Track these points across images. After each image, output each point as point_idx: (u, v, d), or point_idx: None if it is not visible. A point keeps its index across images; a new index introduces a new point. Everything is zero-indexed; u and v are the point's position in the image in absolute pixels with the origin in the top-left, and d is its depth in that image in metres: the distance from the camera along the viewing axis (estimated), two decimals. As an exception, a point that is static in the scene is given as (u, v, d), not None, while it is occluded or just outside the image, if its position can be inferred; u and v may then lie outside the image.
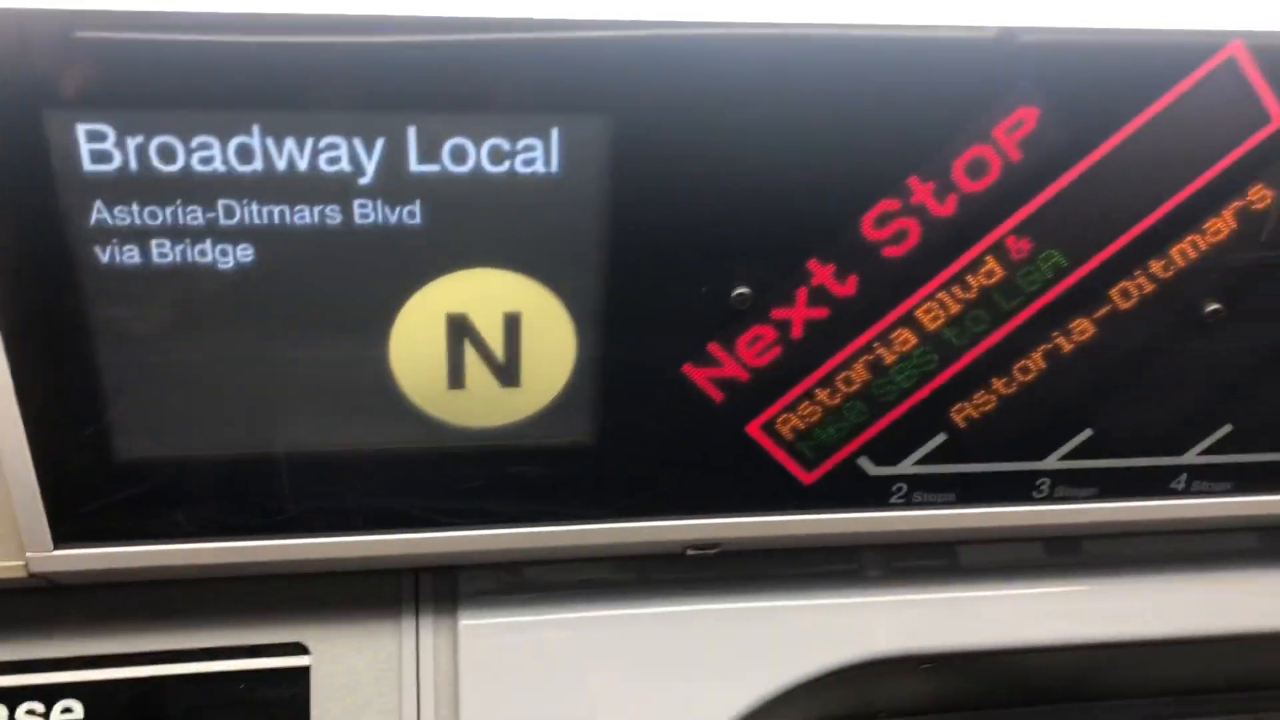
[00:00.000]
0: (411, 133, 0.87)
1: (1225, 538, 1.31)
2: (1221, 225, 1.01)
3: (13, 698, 1.10)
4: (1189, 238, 1.01)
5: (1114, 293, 1.03)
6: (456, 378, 0.99)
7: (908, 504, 1.12)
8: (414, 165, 0.88)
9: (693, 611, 1.20)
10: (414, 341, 0.96)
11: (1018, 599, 1.26)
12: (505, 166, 0.89)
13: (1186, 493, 1.15)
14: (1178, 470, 1.14)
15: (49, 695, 1.10)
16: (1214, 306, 1.04)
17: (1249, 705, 1.48)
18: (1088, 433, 1.11)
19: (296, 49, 0.83)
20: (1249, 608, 1.29)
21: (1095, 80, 0.93)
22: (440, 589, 1.19)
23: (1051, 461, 1.12)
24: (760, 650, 1.20)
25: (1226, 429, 1.13)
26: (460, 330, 0.97)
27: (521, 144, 0.89)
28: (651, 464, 1.06)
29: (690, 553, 1.14)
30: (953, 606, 1.25)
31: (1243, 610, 1.29)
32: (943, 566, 1.27)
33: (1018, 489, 1.13)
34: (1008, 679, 1.42)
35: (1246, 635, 1.30)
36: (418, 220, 0.91)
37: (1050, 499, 1.14)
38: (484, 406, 1.01)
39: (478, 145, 0.88)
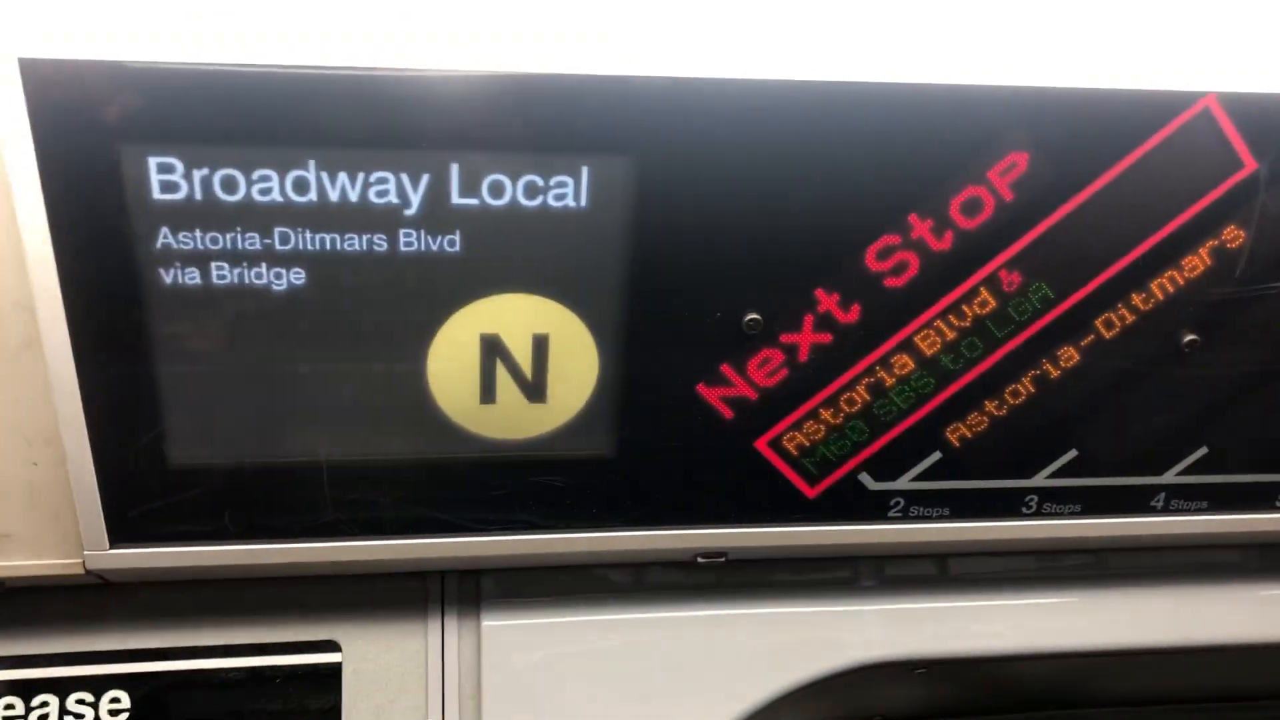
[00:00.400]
0: (454, 169, 0.93)
1: (1205, 553, 1.34)
2: (1198, 262, 1.06)
3: (64, 688, 1.14)
4: (1168, 273, 1.06)
5: (1098, 323, 1.08)
6: (488, 393, 1.04)
7: (905, 517, 1.16)
8: (455, 199, 0.94)
9: (702, 616, 1.24)
10: (450, 359, 1.02)
11: (1009, 609, 1.29)
12: (538, 201, 0.95)
13: (1165, 511, 1.19)
14: (1157, 489, 1.18)
15: (98, 686, 1.15)
16: (1191, 337, 1.09)
17: (1232, 715, 1.52)
18: (1073, 453, 1.15)
19: (352, 95, 0.90)
20: (1228, 620, 1.33)
21: (1081, 128, 0.98)
22: (465, 591, 1.22)
23: (1039, 479, 1.16)
24: (765, 654, 1.23)
25: (1203, 451, 1.17)
26: (493, 350, 1.02)
27: (554, 181, 0.95)
28: (666, 476, 1.11)
29: (700, 560, 1.18)
30: (946, 615, 1.28)
31: (1222, 622, 1.32)
32: (937, 577, 1.30)
33: (1007, 505, 1.17)
34: (1000, 685, 1.45)
35: (1226, 647, 1.33)
36: (457, 249, 0.96)
37: (1038, 515, 1.17)
38: (512, 420, 1.06)
39: (514, 181, 0.94)
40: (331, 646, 1.19)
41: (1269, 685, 1.53)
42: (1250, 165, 1.02)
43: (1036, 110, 0.97)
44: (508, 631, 1.20)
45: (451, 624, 1.21)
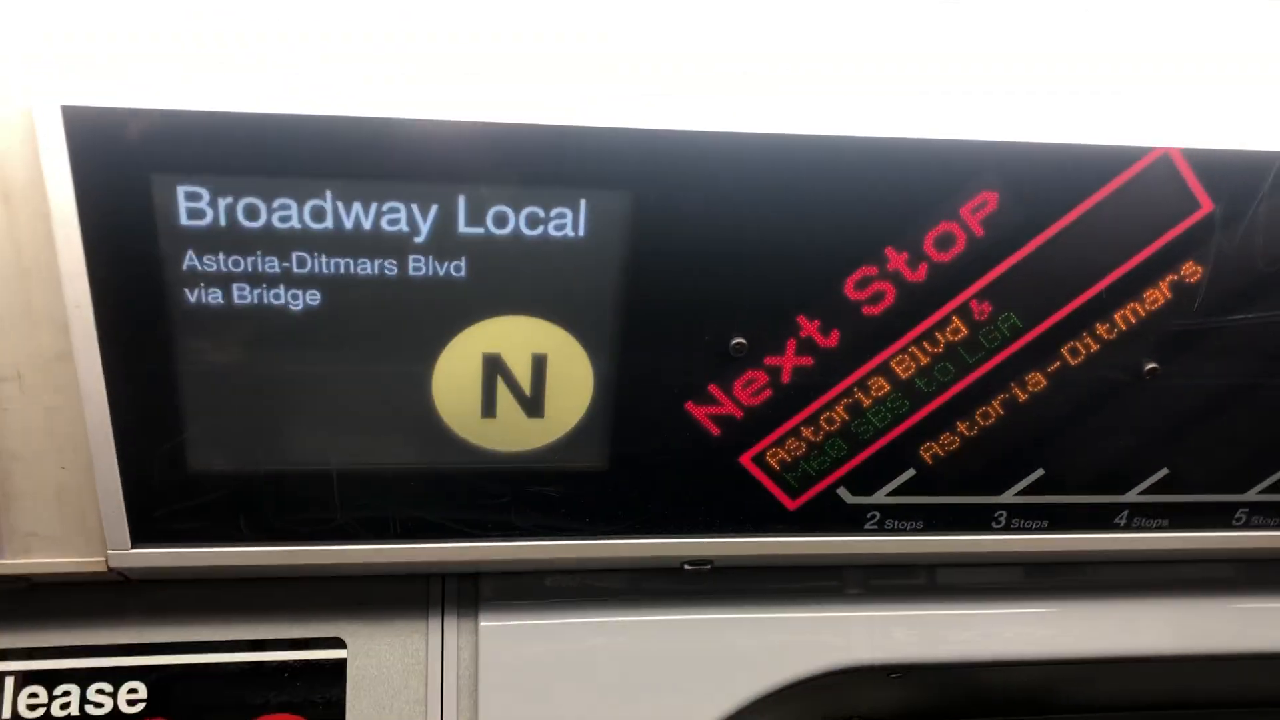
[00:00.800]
0: (461, 201, 0.97)
1: (1168, 567, 1.37)
2: (1158, 295, 1.09)
3: (85, 678, 1.17)
4: (1130, 305, 1.09)
5: (1064, 350, 1.11)
6: (489, 408, 1.07)
7: (880, 530, 1.18)
8: (462, 227, 0.98)
9: (688, 620, 1.26)
10: (454, 376, 1.05)
11: (985, 618, 1.32)
12: (539, 230, 0.99)
13: (1128, 528, 1.22)
14: (1120, 507, 1.22)
15: (117, 677, 1.18)
16: (1151, 365, 1.12)
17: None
18: (1040, 472, 1.18)
19: (367, 136, 0.94)
20: (1192, 630, 1.36)
21: (1048, 171, 1.02)
22: (464, 593, 1.25)
23: (1008, 496, 1.19)
24: (749, 656, 1.26)
25: (1163, 472, 1.20)
26: (494, 368, 1.05)
27: (554, 212, 0.99)
28: (655, 488, 1.14)
29: (687, 567, 1.21)
30: (923, 622, 1.31)
31: (1187, 633, 1.36)
32: (915, 585, 1.34)
33: (978, 519, 1.20)
34: (976, 691, 1.48)
35: (1193, 656, 1.36)
36: (463, 273, 1.00)
37: (1007, 529, 1.20)
38: (511, 434, 1.09)
39: (517, 212, 0.98)
40: (337, 643, 1.22)
41: (1241, 693, 1.55)
42: (1207, 206, 1.06)
43: (1006, 156, 1.01)
44: (504, 631, 1.23)
45: (451, 624, 1.24)
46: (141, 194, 0.94)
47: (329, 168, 0.95)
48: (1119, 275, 1.09)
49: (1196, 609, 1.36)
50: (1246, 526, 1.25)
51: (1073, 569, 1.36)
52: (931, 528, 1.20)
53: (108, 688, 1.18)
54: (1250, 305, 1.11)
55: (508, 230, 0.99)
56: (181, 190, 0.95)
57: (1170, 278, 1.10)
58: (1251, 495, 1.24)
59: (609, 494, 1.14)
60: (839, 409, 1.13)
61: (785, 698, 1.29)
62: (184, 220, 0.96)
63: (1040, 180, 1.03)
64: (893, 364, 1.11)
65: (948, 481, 1.18)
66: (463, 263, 1.00)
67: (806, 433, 1.14)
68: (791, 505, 1.17)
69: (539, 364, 1.06)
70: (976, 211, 1.04)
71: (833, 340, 1.08)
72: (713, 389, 1.10)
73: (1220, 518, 1.25)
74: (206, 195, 0.96)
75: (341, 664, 1.22)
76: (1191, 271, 1.10)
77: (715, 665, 1.26)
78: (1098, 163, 1.03)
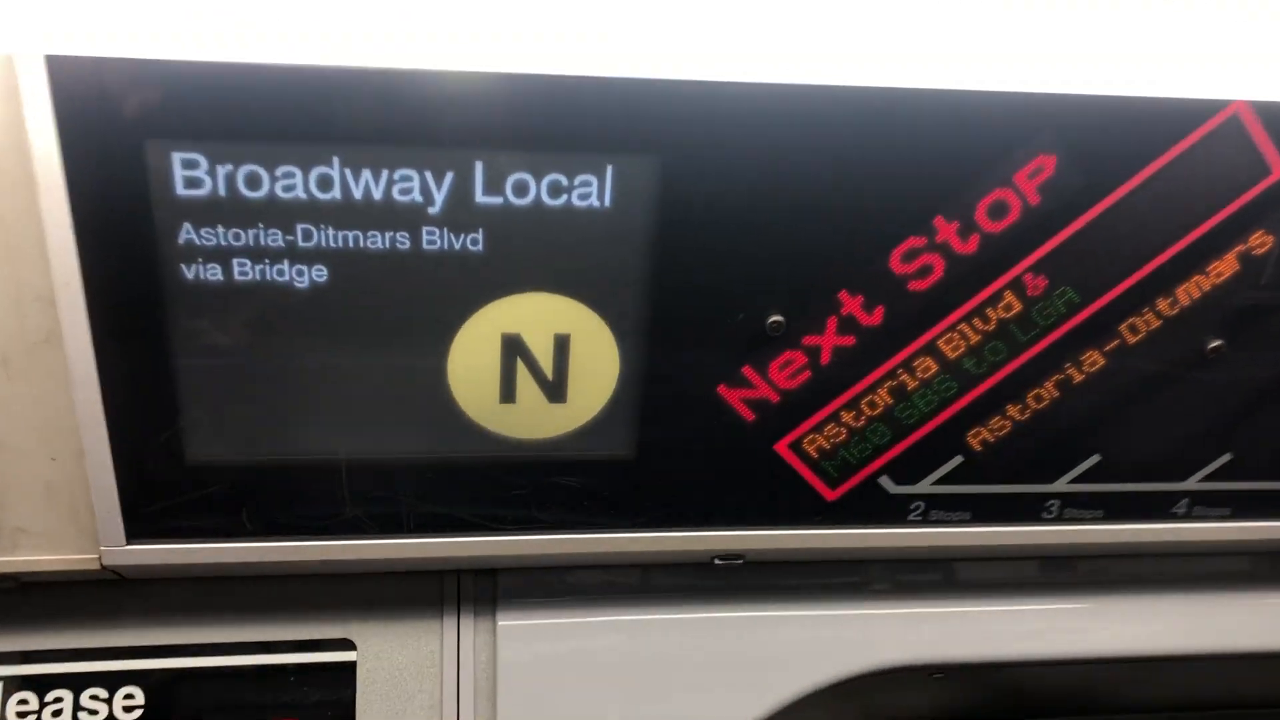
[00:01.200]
0: (478, 168, 0.93)
1: (1224, 560, 1.33)
2: (1224, 268, 1.05)
3: (79, 683, 1.14)
4: (1194, 278, 1.06)
5: (1123, 328, 1.08)
6: (508, 392, 1.04)
7: (924, 521, 1.15)
8: (479, 197, 0.94)
9: (720, 618, 1.23)
10: (471, 358, 1.02)
11: (1024, 614, 1.29)
12: (562, 200, 0.95)
13: (1187, 517, 1.19)
14: (1179, 495, 1.18)
15: (113, 682, 1.14)
16: (1216, 342, 1.08)
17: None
18: (1095, 458, 1.14)
19: (377, 93, 0.89)
20: (1246, 627, 1.32)
21: (1109, 132, 0.98)
22: (481, 590, 1.22)
23: (1061, 484, 1.15)
24: (781, 656, 1.23)
25: (1226, 458, 1.16)
26: (514, 349, 1.02)
27: (578, 180, 0.95)
28: (685, 478, 1.10)
29: (718, 562, 1.18)
30: (962, 620, 1.27)
31: (1239, 630, 1.32)
32: (958, 581, 1.30)
33: (1028, 510, 1.16)
34: (1016, 692, 1.45)
35: (1244, 654, 1.32)
36: (480, 247, 0.96)
37: (1059, 520, 1.17)
38: (532, 420, 1.06)
39: (538, 180, 0.94)
40: (346, 645, 1.19)
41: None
42: (1279, 170, 1.02)
43: (1064, 114, 0.97)
44: (524, 631, 1.20)
45: (467, 623, 1.21)
46: (135, 158, 0.90)
47: (336, 130, 0.91)
48: (1182, 247, 1.05)
49: (1259, 603, 1.33)
50: (1317, 515, 1.22)
51: (1130, 561, 1.32)
52: (979, 519, 1.16)
53: (103, 693, 1.15)
54: (1323, 278, 1.07)
55: (528, 200, 0.95)
56: (178, 157, 0.91)
57: (1238, 248, 1.05)
58: (1320, 481, 1.20)
59: (635, 484, 1.10)
60: (882, 392, 1.09)
61: (821, 698, 1.25)
62: (180, 190, 0.92)
63: (1100, 143, 0.99)
64: (940, 343, 1.07)
65: (997, 469, 1.14)
66: (480, 235, 0.96)
67: (847, 418, 1.10)
68: (830, 495, 1.14)
69: (561, 345, 1.03)
70: (1033, 177, 0.99)
71: (876, 318, 1.04)
72: (747, 371, 1.06)
73: (1287, 506, 1.21)
74: (204, 163, 0.91)
75: (351, 666, 1.19)
76: (1260, 242, 1.05)
77: (748, 666, 1.23)
78: (1161, 124, 0.99)
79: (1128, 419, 1.13)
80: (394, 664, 1.19)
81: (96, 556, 1.06)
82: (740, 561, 1.18)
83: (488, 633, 1.21)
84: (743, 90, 0.93)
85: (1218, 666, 1.39)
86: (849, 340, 1.05)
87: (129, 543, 1.05)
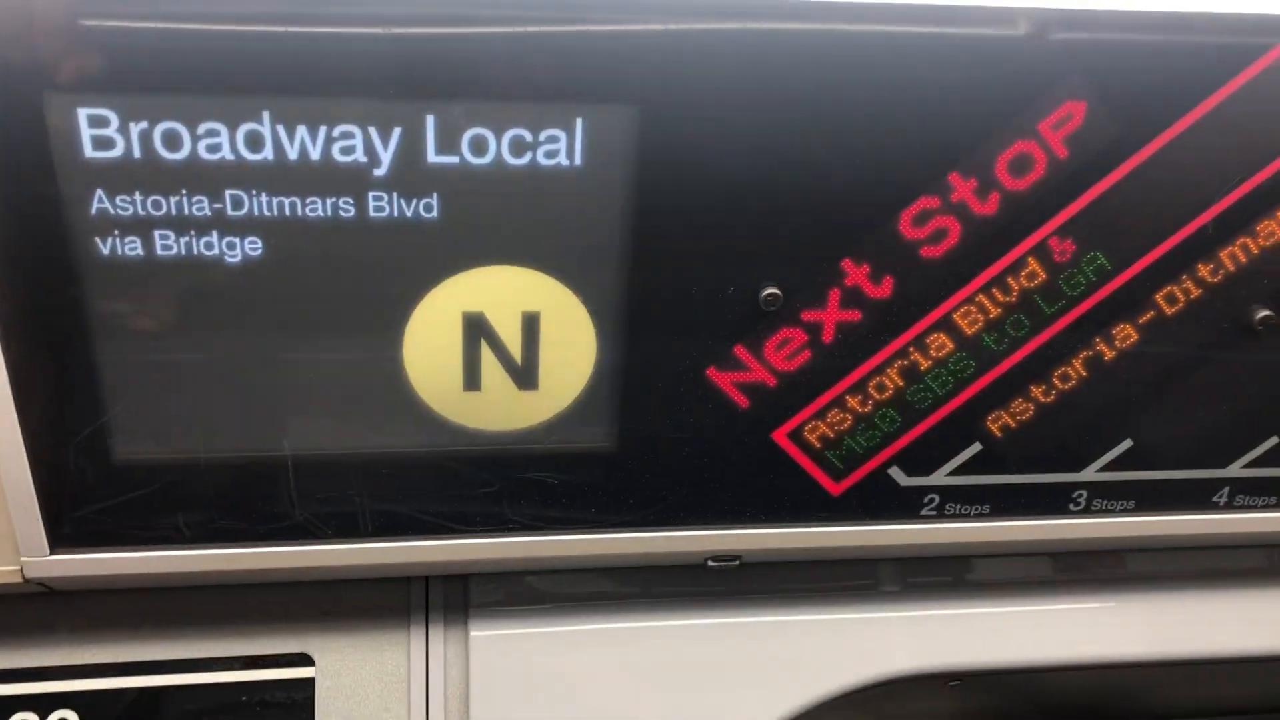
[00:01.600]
0: (430, 122, 0.87)
1: (1269, 553, 1.29)
2: (1275, 228, 1.00)
3: (6, 708, 1.09)
4: (1240, 240, 1.00)
5: (1160, 298, 1.02)
6: (472, 379, 0.99)
7: (939, 516, 1.11)
8: (432, 156, 0.88)
9: (713, 625, 1.20)
10: (428, 341, 0.96)
11: (1048, 615, 1.25)
12: (526, 159, 0.89)
13: (1229, 507, 1.15)
14: (1220, 483, 1.14)
15: (44, 705, 1.10)
16: (1265, 313, 1.03)
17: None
18: (1128, 444, 1.10)
19: (310, 33, 0.82)
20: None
21: (1146, 74, 0.92)
22: (451, 598, 1.18)
23: (1089, 473, 1.11)
24: (777, 666, 1.19)
25: (1273, 441, 1.12)
26: (477, 330, 0.96)
27: (544, 135, 0.88)
28: (673, 472, 1.06)
29: (712, 564, 1.14)
30: (979, 624, 1.24)
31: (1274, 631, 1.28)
32: (974, 582, 1.26)
33: (1053, 501, 1.13)
34: (1036, 699, 1.41)
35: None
36: (434, 214, 0.90)
37: (1087, 512, 1.13)
38: (500, 410, 1.01)
39: (498, 136, 0.88)
40: (303, 660, 1.15)
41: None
42: None
43: (1096, 53, 0.90)
44: (499, 642, 1.16)
45: (436, 634, 1.17)
46: (33, 115, 0.82)
47: (264, 78, 0.83)
48: (1227, 205, 0.99)
49: None
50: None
51: (1166, 557, 1.28)
52: (999, 512, 1.13)
53: (33, 718, 1.10)
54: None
55: (488, 159, 0.89)
56: (84, 113, 0.83)
57: (1288, 207, 1.00)
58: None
59: (617, 479, 1.06)
60: (891, 373, 1.04)
61: (826, 709, 1.21)
62: (89, 151, 0.85)
63: (1135, 86, 0.92)
64: (956, 317, 1.02)
65: (1019, 458, 1.10)
66: (434, 200, 0.90)
67: (852, 402, 1.05)
68: (835, 489, 1.10)
69: (530, 324, 0.97)
70: (1059, 127, 0.93)
71: (885, 289, 0.99)
72: (739, 352, 1.01)
73: (1341, 495, 1.17)
74: (115, 119, 0.84)
75: (309, 683, 1.15)
76: (1314, 200, 1.00)
77: (748, 678, 1.19)
78: (1204, 64, 0.92)
79: (1164, 400, 1.08)
80: (356, 680, 1.16)
81: (18, 568, 1.01)
82: (736, 563, 1.14)
83: (459, 644, 1.17)
84: (732, 31, 0.86)
85: (1261, 669, 1.35)
86: (854, 315, 1.00)
87: (53, 552, 1.00)
